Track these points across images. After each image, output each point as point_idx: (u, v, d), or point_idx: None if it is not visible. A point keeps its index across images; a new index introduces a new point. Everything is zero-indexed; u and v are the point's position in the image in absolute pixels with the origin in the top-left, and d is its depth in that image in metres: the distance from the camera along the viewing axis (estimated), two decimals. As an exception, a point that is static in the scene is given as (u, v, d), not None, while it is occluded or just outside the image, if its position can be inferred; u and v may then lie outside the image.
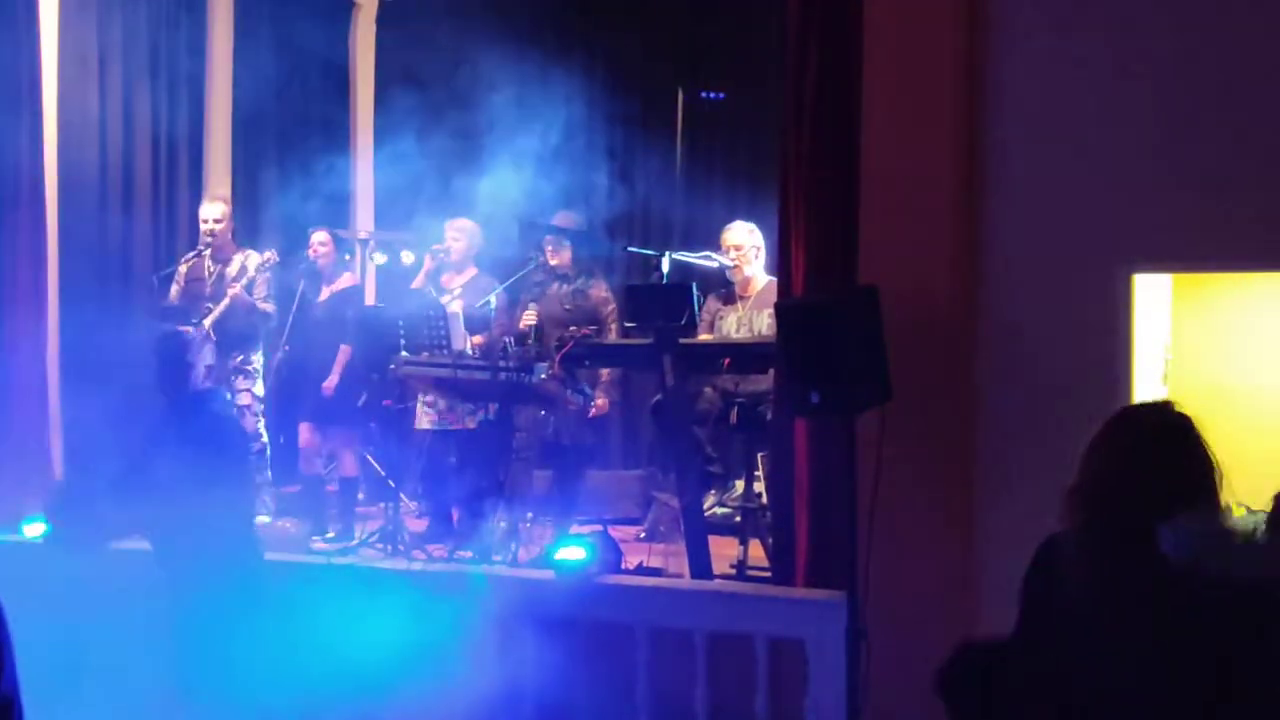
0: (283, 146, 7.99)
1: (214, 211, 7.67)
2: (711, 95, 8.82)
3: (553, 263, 7.53)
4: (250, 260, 7.63)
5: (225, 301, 7.48)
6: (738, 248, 6.94)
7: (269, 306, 7.65)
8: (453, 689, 5.02)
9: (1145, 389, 5.52)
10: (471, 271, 7.56)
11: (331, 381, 7.44)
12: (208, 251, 7.65)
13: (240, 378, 7.55)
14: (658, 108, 8.98)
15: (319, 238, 7.91)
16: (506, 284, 7.27)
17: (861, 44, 5.06)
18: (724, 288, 7.11)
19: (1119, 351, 5.03)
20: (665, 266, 6.84)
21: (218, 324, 7.43)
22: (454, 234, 7.56)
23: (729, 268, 6.96)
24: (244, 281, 7.52)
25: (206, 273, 7.67)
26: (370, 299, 8.73)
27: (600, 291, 7.51)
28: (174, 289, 7.74)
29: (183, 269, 7.77)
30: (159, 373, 4.92)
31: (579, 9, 8.37)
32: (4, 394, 6.94)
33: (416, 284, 7.66)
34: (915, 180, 5.00)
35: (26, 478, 7.00)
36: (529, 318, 7.28)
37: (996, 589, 3.56)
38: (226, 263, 7.65)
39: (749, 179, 8.61)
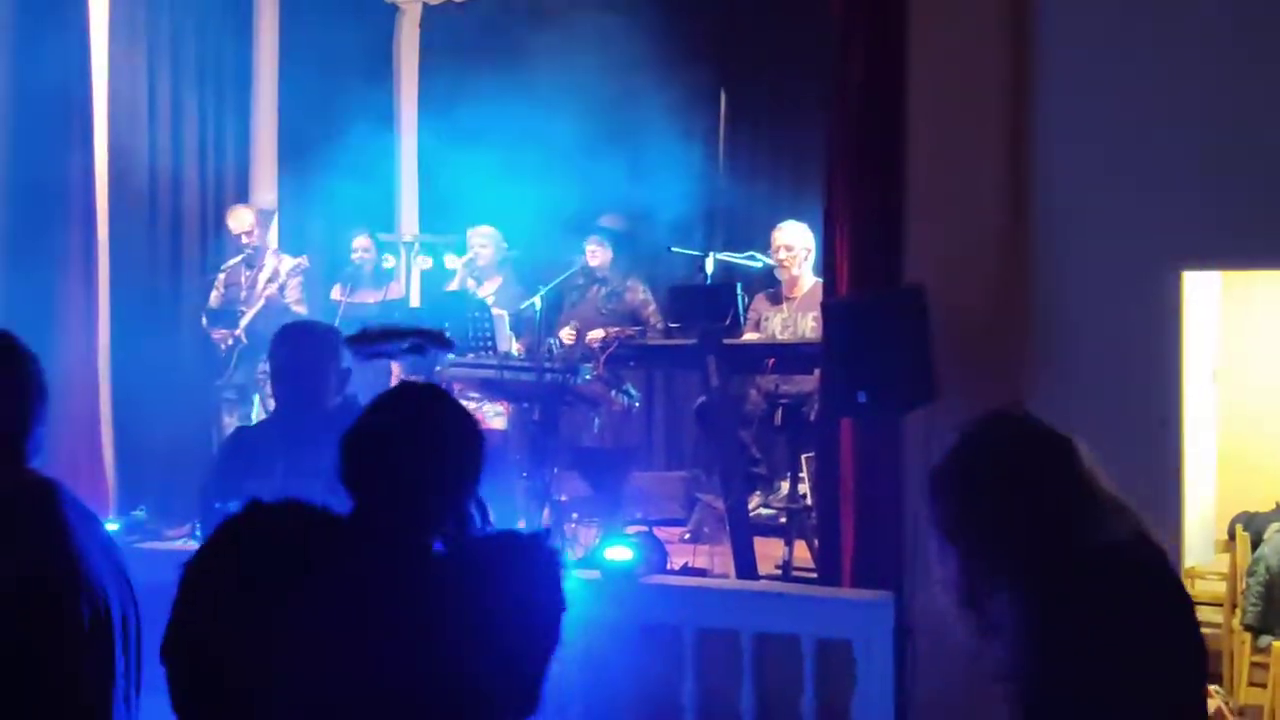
0: (327, 152, 8.06)
1: (243, 223, 7.77)
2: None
3: (592, 264, 7.55)
4: (283, 264, 7.73)
5: (259, 303, 7.57)
6: (788, 248, 6.87)
7: (301, 309, 7.73)
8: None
9: (1195, 387, 5.48)
10: (498, 279, 7.59)
11: None
12: (242, 256, 7.77)
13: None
14: (700, 107, 8.96)
15: (361, 242, 8.01)
16: (549, 287, 7.28)
17: (907, 38, 5.04)
18: (770, 287, 7.09)
19: (1169, 350, 4.99)
20: (709, 267, 6.83)
21: (250, 328, 7.52)
22: (480, 241, 7.60)
23: (776, 267, 6.93)
24: (276, 284, 7.61)
25: (242, 278, 7.77)
26: (415, 303, 8.78)
27: (637, 294, 7.51)
28: (214, 295, 7.84)
29: (221, 276, 7.87)
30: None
31: (621, 9, 8.37)
32: (56, 399, 7.00)
33: (453, 286, 7.72)
34: (961, 177, 4.98)
35: (77, 482, 7.07)
36: (567, 335, 7.29)
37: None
38: (260, 268, 7.75)
39: (793, 178, 8.59)
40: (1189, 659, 2.41)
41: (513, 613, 2.19)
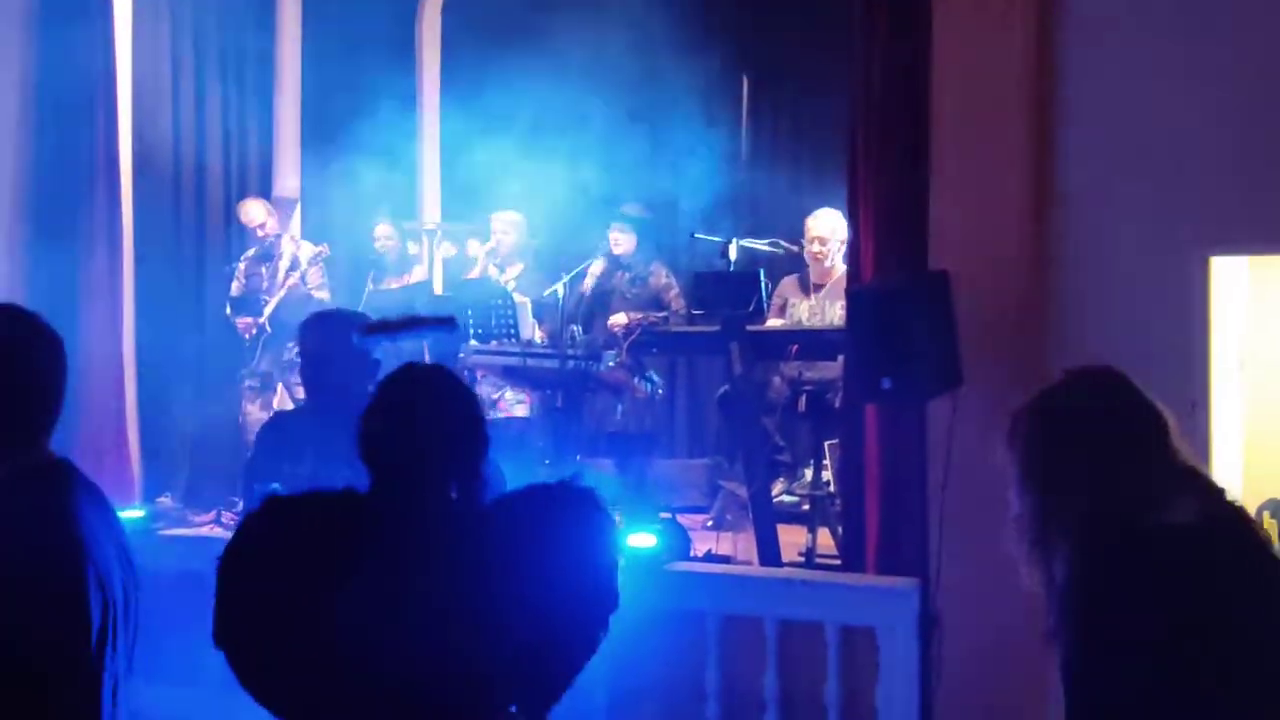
0: (350, 139, 8.09)
1: (255, 217, 7.81)
2: None
3: (616, 251, 7.54)
4: (302, 251, 7.76)
5: (280, 293, 7.61)
6: (822, 240, 6.77)
7: (324, 295, 7.76)
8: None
9: (1221, 375, 5.43)
10: (520, 266, 7.58)
11: None
12: (255, 250, 7.82)
13: (296, 370, 7.63)
14: (722, 92, 8.95)
15: (383, 230, 8.03)
16: (572, 274, 7.29)
17: (931, 21, 5.01)
18: (796, 271, 7.05)
19: (1195, 337, 4.94)
20: (732, 253, 6.80)
21: (274, 316, 7.56)
22: (503, 227, 7.60)
23: (805, 255, 6.88)
24: (297, 273, 7.65)
25: (262, 269, 7.81)
26: (438, 290, 8.79)
27: (660, 278, 7.50)
28: (235, 284, 7.88)
29: (241, 266, 7.91)
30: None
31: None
32: (82, 388, 7.05)
33: (474, 274, 7.72)
34: (986, 161, 4.94)
35: (102, 469, 7.12)
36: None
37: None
38: (279, 256, 7.79)
39: (815, 164, 8.56)
40: (1237, 657, 2.28)
41: (553, 549, 2.40)
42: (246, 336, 7.73)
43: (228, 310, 7.83)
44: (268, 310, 7.66)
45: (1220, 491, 2.45)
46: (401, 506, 2.40)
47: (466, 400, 2.54)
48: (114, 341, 7.25)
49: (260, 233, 7.82)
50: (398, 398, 2.51)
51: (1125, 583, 2.32)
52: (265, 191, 8.47)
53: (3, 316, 2.34)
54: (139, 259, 7.53)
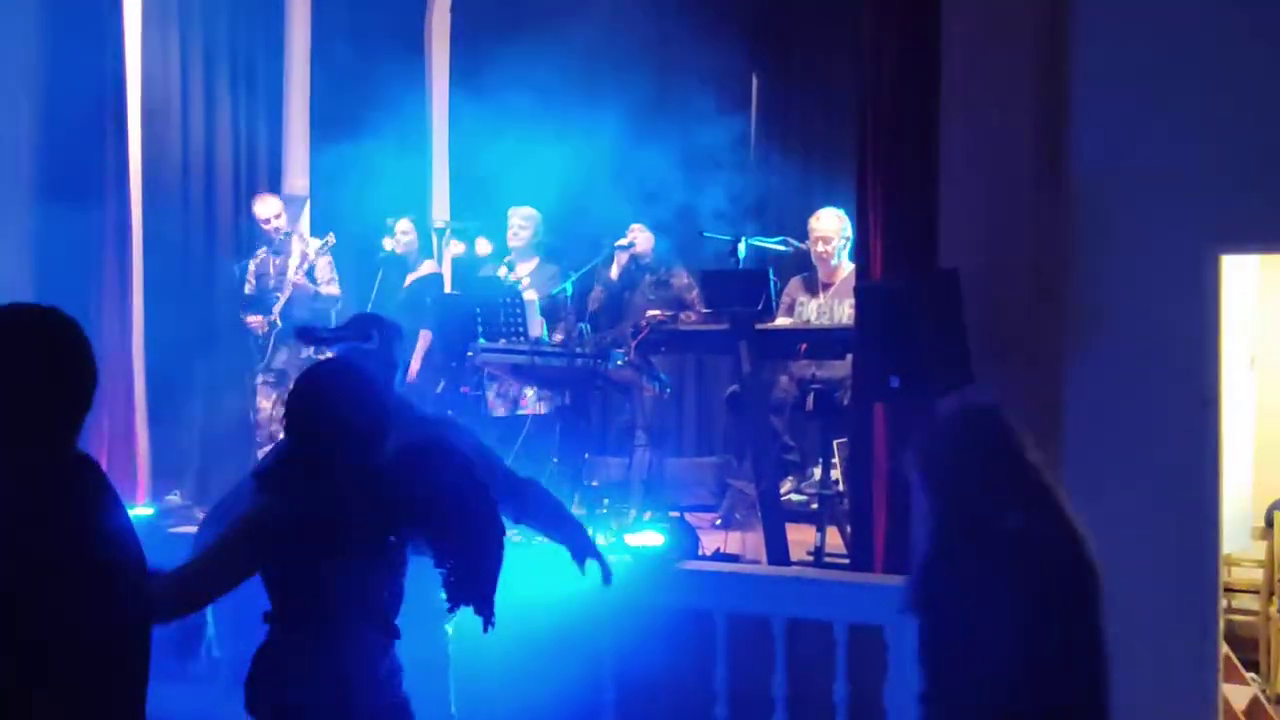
0: (359, 136, 8.07)
1: (272, 209, 7.81)
2: None
3: (635, 249, 7.53)
4: (310, 246, 7.77)
5: (288, 290, 7.63)
6: (826, 240, 6.75)
7: (334, 289, 7.77)
8: (532, 674, 5.03)
9: (1232, 373, 5.41)
10: (534, 261, 7.58)
11: (413, 369, 7.49)
12: (264, 248, 7.83)
13: None
14: (732, 90, 8.93)
15: (402, 226, 8.01)
16: (580, 272, 7.28)
17: (941, 20, 5.00)
18: (805, 271, 7.03)
19: (1206, 334, 4.93)
20: (741, 251, 6.78)
21: (284, 312, 7.57)
22: (520, 222, 7.59)
23: (811, 254, 6.86)
24: (305, 268, 7.65)
25: (271, 267, 7.81)
26: (447, 287, 8.79)
27: (681, 279, 7.49)
28: (247, 285, 7.90)
29: (252, 265, 7.92)
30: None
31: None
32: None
33: (494, 272, 7.72)
34: (997, 160, 4.93)
35: (111, 466, 7.13)
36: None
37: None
38: (287, 254, 7.79)
39: (825, 161, 8.54)
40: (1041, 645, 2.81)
41: (430, 474, 3.16)
42: (258, 333, 7.74)
43: (242, 300, 7.85)
44: (277, 307, 7.66)
45: (1053, 509, 2.96)
46: (312, 464, 3.16)
47: (355, 385, 3.26)
48: (124, 339, 7.26)
49: (275, 222, 7.81)
50: (304, 385, 3.29)
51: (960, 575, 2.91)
52: (275, 189, 8.47)
53: (45, 316, 2.38)
54: (148, 257, 7.54)
